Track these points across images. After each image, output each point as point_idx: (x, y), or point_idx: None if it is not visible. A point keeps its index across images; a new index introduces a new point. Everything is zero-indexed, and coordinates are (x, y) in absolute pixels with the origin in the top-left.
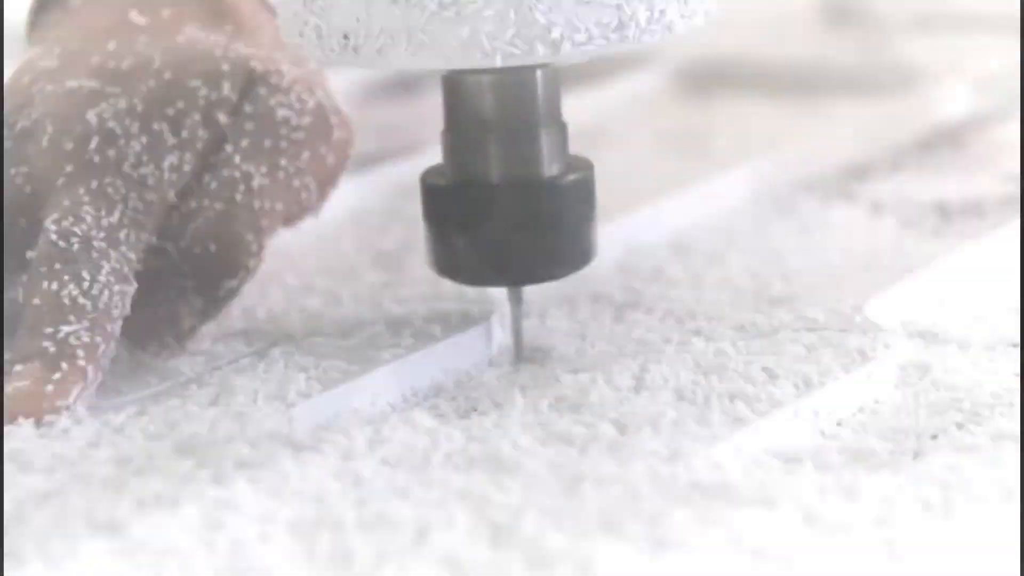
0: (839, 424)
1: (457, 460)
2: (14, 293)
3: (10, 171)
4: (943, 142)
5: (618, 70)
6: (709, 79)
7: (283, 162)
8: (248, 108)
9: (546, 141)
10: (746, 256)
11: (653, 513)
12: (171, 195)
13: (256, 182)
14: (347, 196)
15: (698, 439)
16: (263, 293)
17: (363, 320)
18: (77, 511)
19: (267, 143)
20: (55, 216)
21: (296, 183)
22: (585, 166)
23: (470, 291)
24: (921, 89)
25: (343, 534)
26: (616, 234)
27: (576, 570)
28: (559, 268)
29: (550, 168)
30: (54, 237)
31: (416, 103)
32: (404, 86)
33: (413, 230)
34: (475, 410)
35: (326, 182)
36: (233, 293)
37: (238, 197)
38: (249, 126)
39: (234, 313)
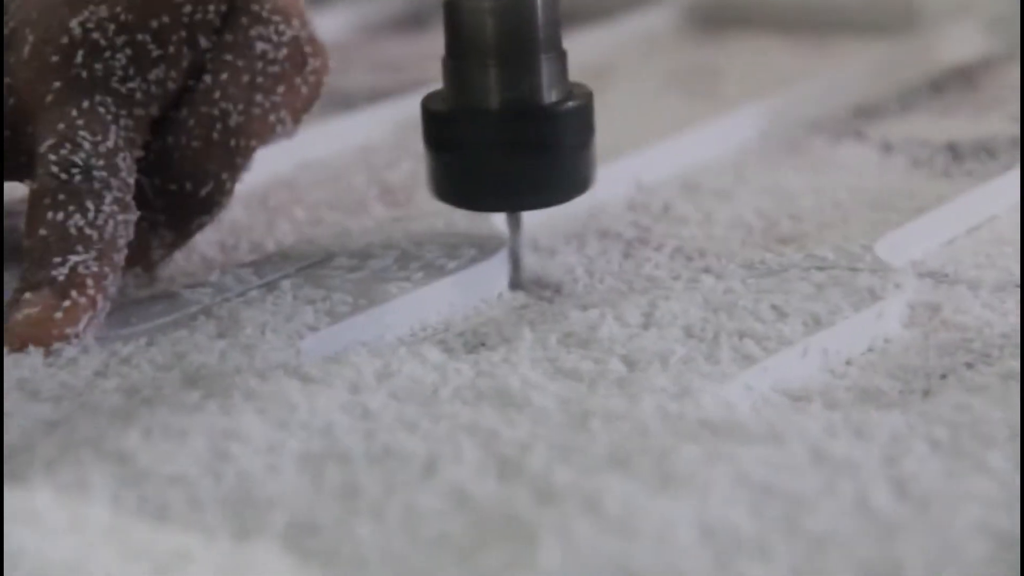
0: (848, 363)
1: (465, 394)
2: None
3: None
4: (954, 82)
5: (630, 7)
6: (720, 17)
7: (259, 97)
8: (228, 37)
9: (545, 68)
10: (755, 195)
11: (661, 449)
12: (154, 110)
13: (233, 120)
14: (356, 131)
15: (707, 376)
16: (272, 225)
17: (372, 253)
18: (85, 440)
19: (245, 79)
20: (51, 142)
21: (271, 118)
22: (584, 94)
23: (480, 225)
24: (932, 29)
25: (350, 466)
26: (625, 171)
27: (583, 505)
28: (557, 194)
29: (549, 95)
30: (55, 169)
31: (425, 38)
32: (414, 21)
33: (422, 165)
34: (483, 345)
35: (300, 111)
36: (203, 227)
37: (215, 136)
38: (228, 57)
39: (242, 246)
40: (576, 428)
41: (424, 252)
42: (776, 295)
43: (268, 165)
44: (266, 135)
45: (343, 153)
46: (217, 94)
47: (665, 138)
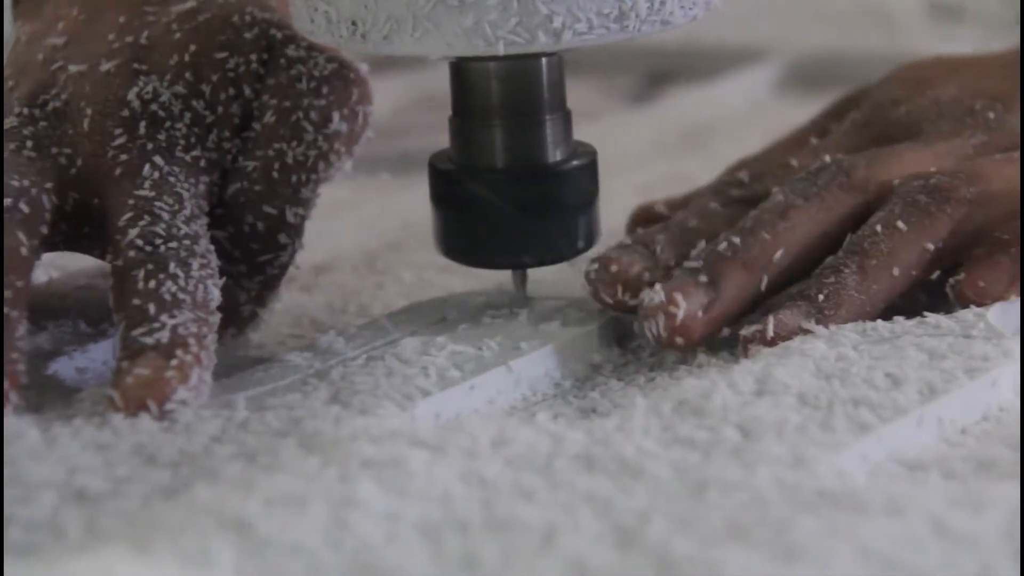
0: (963, 432)
1: (580, 463)
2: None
3: (51, 150)
4: None
5: (731, 65)
6: (822, 76)
7: (310, 132)
8: (271, 81)
9: (550, 127)
10: None
11: (780, 520)
12: (215, 176)
13: (290, 157)
14: None
15: (822, 445)
16: (380, 288)
17: (480, 317)
18: (206, 508)
19: (293, 117)
20: (128, 216)
21: (325, 147)
22: (588, 152)
23: (578, 288)
24: None
25: (469, 536)
26: None
27: None
28: (562, 252)
29: (554, 154)
30: (139, 243)
31: None
32: None
33: None
34: (594, 411)
35: (351, 142)
36: (284, 269)
37: (275, 175)
38: (274, 101)
39: (351, 309)
40: (693, 498)
41: (531, 316)
42: (890, 362)
43: (375, 228)
44: (324, 167)
45: None
46: (270, 137)
47: None
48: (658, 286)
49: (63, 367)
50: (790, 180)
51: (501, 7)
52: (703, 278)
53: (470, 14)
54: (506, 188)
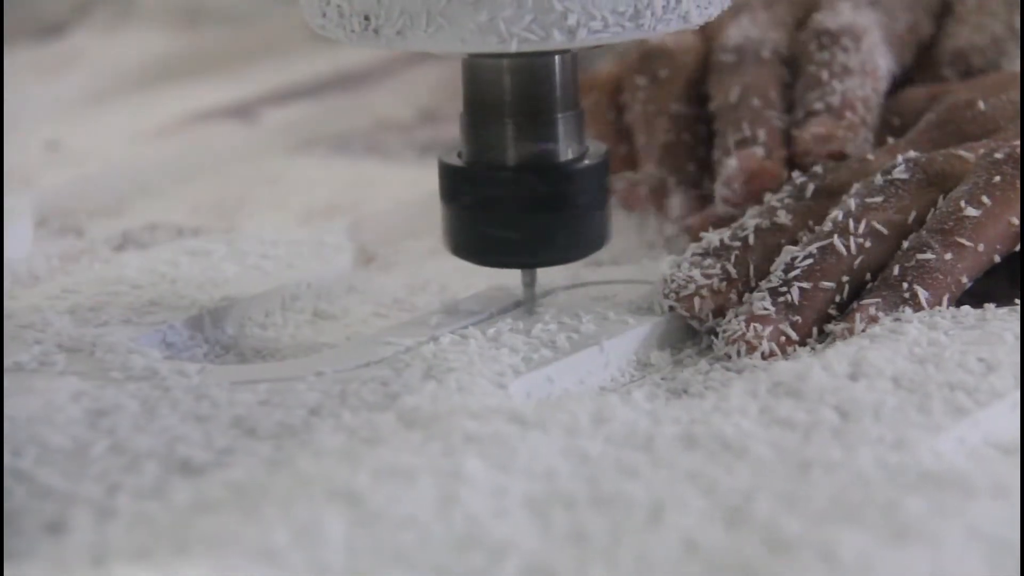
0: None
1: (681, 441)
2: None
3: None
4: None
5: None
6: None
7: None
8: None
9: (562, 126)
10: None
11: (887, 501)
12: None
13: None
14: None
15: (921, 427)
16: (458, 268)
17: (564, 302)
18: (314, 480)
19: None
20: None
21: None
22: (600, 152)
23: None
24: None
25: (576, 511)
26: None
27: (818, 555)
28: (571, 252)
29: (565, 153)
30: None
31: None
32: None
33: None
34: (686, 392)
35: None
36: None
37: None
38: None
39: (431, 288)
40: (797, 477)
41: (616, 300)
42: (982, 347)
43: None
44: None
45: None
46: None
47: None
48: (741, 316)
49: (150, 339)
50: (865, 180)
51: (516, 4)
52: (783, 299)
53: (484, 11)
54: (517, 186)
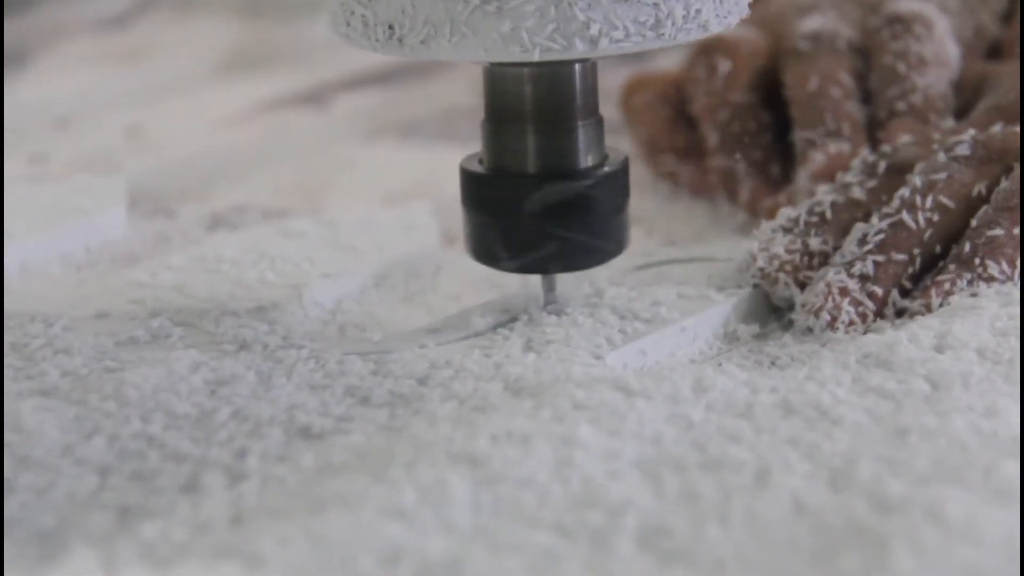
0: None
1: (779, 409)
2: None
3: None
4: None
5: None
6: None
7: None
8: None
9: (583, 133)
10: None
11: (986, 464)
12: None
13: None
14: None
15: (1009, 396)
16: None
17: (655, 275)
18: (435, 444)
19: None
20: None
21: None
22: (619, 159)
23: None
24: None
25: (686, 474)
26: None
27: (926, 514)
28: (591, 258)
29: (585, 160)
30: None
31: None
32: None
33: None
34: (774, 364)
35: None
36: None
37: None
38: None
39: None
40: (895, 442)
41: (699, 277)
42: None
43: None
44: None
45: None
46: None
47: None
48: (820, 288)
49: (255, 314)
50: (929, 157)
51: (538, 14)
52: (859, 269)
53: (507, 20)
54: (536, 193)
